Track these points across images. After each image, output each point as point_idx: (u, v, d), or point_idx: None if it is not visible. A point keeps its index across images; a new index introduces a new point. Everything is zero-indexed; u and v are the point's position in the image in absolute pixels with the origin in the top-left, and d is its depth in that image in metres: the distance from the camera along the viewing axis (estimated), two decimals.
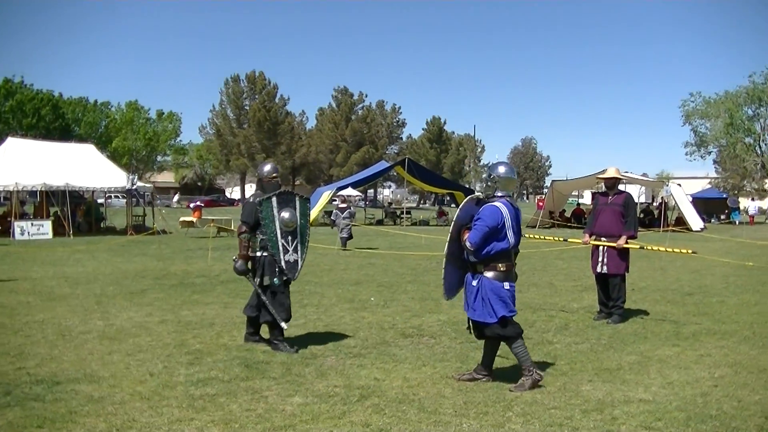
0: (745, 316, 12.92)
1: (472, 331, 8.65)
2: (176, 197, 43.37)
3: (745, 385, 8.32)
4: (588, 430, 6.69)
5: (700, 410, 7.30)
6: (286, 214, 10.03)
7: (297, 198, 10.42)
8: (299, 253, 10.24)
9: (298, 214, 10.22)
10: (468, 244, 8.15)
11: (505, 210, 8.24)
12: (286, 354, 9.63)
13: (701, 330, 11.67)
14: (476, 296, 8.27)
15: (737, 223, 60.45)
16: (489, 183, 8.51)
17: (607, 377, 8.66)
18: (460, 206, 8.68)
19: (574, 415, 7.11)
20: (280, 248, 9.99)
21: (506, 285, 8.28)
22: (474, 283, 8.32)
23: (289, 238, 10.12)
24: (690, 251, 12.94)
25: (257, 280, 10.11)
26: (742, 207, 71.29)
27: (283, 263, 9.98)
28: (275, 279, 10.00)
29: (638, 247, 13.00)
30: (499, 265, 8.24)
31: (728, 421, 6.96)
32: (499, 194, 8.43)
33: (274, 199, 10.03)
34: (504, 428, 6.72)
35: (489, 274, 8.23)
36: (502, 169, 8.52)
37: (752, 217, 63.38)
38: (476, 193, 8.79)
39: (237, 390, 7.93)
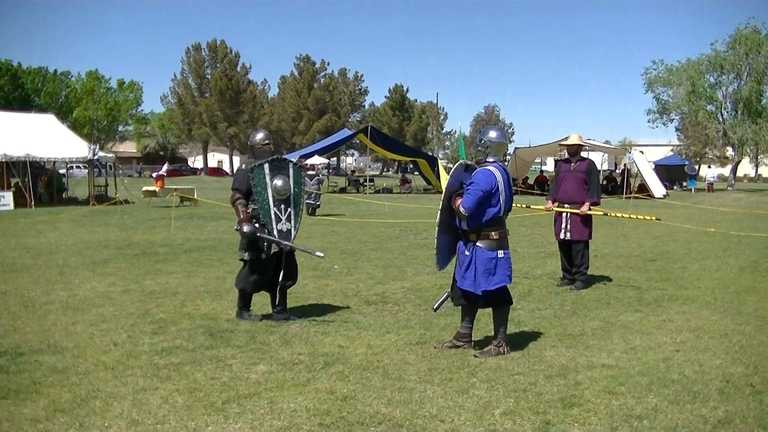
0: (707, 282, 13.04)
1: (452, 299, 8.67)
2: (165, 166, 43.38)
3: (706, 349, 8.40)
4: (552, 395, 6.72)
5: (662, 375, 7.37)
6: (279, 182, 9.74)
7: (290, 165, 10.12)
8: (292, 222, 9.93)
9: (291, 181, 9.92)
10: (462, 209, 8.02)
11: (498, 174, 8.15)
12: (250, 322, 9.60)
13: (663, 296, 11.77)
14: (468, 266, 8.18)
15: (693, 190, 60.87)
16: (480, 148, 8.39)
17: (570, 343, 8.71)
18: (450, 174, 8.59)
19: (537, 381, 7.16)
20: (273, 217, 9.69)
21: (500, 253, 8.19)
22: (467, 252, 8.21)
23: (282, 206, 9.80)
24: (654, 218, 13.01)
25: (244, 252, 9.80)
26: (703, 174, 71.89)
27: (275, 232, 9.68)
28: (246, 254, 9.73)
29: (602, 213, 13.10)
30: (492, 233, 8.14)
31: (690, 385, 7.02)
32: (491, 159, 8.31)
33: (266, 165, 9.70)
34: (468, 394, 6.75)
35: (482, 244, 8.14)
36: (493, 134, 8.38)
37: (710, 185, 63.86)
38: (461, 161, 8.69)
39: (201, 359, 7.91)
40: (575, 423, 6.08)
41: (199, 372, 7.42)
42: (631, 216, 13.66)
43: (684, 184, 65.43)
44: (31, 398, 6.56)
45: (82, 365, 7.62)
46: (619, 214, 13.77)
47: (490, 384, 7.05)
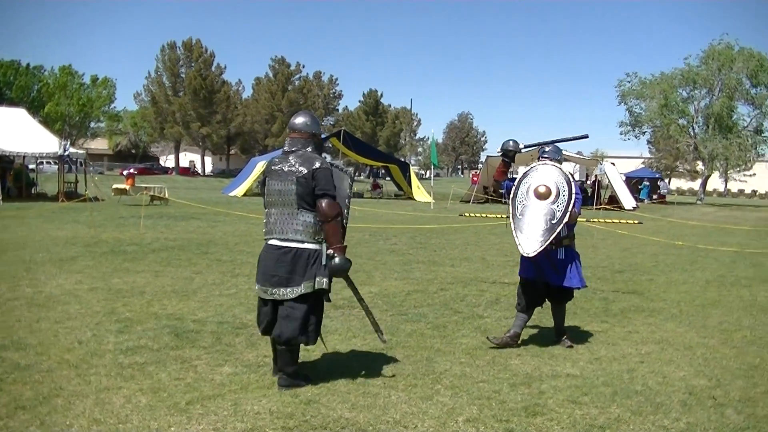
0: (673, 295, 13.11)
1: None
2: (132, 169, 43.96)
3: (670, 361, 8.45)
4: (515, 403, 6.74)
5: (626, 385, 7.41)
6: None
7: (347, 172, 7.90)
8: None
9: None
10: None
11: None
12: (216, 323, 9.54)
13: (629, 307, 11.82)
14: (569, 265, 8.90)
15: (645, 201, 60.70)
16: None
17: (535, 352, 8.74)
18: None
19: (502, 389, 7.17)
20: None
21: None
22: (561, 256, 8.92)
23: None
24: (636, 222, 13.05)
25: (319, 280, 7.03)
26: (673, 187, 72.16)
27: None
28: (327, 281, 7.10)
29: (584, 220, 13.11)
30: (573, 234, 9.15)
31: (653, 396, 7.07)
32: None
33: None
34: (432, 400, 6.76)
35: (572, 245, 9.08)
36: None
37: (663, 196, 64.18)
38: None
39: (166, 359, 7.88)
40: None
41: (163, 372, 7.38)
42: (614, 221, 13.69)
43: (655, 196, 65.56)
44: None
45: (45, 363, 7.58)
46: (601, 220, 13.85)
47: (454, 391, 7.06)
